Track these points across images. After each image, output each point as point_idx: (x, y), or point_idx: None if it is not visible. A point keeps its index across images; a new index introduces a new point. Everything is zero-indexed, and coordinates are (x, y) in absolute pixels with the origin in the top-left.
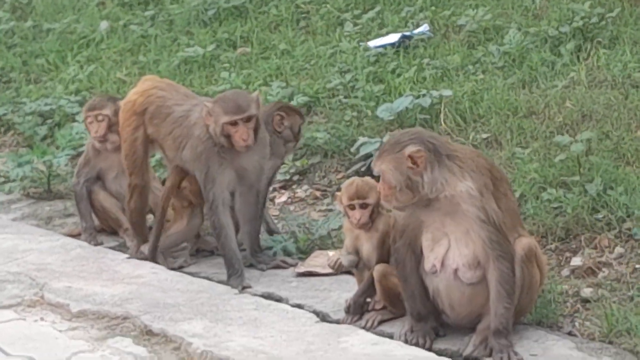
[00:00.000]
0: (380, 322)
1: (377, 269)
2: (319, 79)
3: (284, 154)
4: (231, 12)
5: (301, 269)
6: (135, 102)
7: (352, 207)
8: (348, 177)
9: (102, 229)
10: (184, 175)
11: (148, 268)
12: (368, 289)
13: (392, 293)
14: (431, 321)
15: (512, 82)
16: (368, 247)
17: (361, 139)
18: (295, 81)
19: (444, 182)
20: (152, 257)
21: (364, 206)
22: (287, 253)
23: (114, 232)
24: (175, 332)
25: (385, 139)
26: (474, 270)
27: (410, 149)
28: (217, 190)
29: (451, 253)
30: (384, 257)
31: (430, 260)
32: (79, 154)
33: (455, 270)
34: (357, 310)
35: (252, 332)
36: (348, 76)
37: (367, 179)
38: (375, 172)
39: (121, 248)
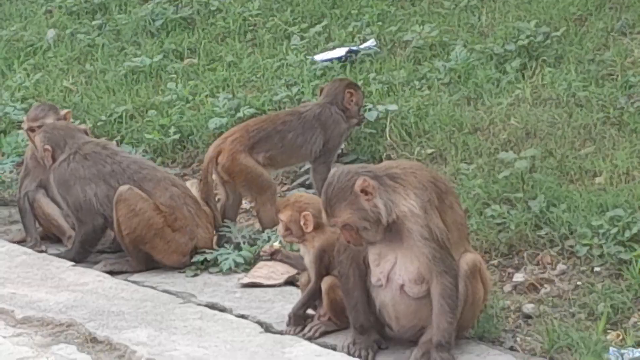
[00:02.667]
0: (324, 333)
1: (325, 281)
2: (266, 91)
3: (347, 130)
4: (179, 22)
5: (245, 280)
6: None
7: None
8: (292, 189)
9: (45, 235)
10: None
11: (93, 276)
12: (308, 301)
13: (338, 306)
14: (374, 334)
15: (458, 98)
16: (307, 260)
17: None
18: (242, 93)
19: (391, 203)
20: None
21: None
22: (235, 264)
23: (58, 240)
24: (119, 339)
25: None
26: (419, 285)
27: (358, 183)
28: None
29: (397, 268)
30: (321, 271)
31: (376, 274)
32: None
33: (402, 286)
34: (298, 322)
35: (197, 342)
36: (294, 89)
37: (301, 196)
38: (337, 224)
39: (65, 255)
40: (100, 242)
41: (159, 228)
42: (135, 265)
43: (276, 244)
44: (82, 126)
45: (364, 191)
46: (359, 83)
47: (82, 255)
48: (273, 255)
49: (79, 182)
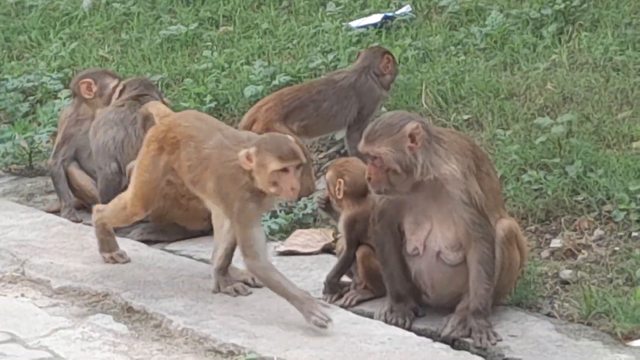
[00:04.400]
0: (360, 302)
1: (360, 249)
2: (301, 58)
3: (381, 98)
4: None
5: (282, 247)
6: None
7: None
8: (329, 157)
9: (81, 205)
10: None
11: (129, 245)
12: (342, 269)
13: (373, 273)
14: (410, 302)
15: (494, 63)
16: (340, 226)
17: None
18: (277, 60)
19: (430, 164)
20: None
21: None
22: (271, 232)
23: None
24: (155, 309)
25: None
26: (456, 252)
27: (411, 126)
28: None
29: (433, 235)
30: (352, 240)
31: (413, 242)
32: None
33: (438, 253)
34: (333, 290)
35: (233, 311)
36: (330, 56)
37: (349, 161)
38: (370, 154)
39: None
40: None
41: (173, 198)
42: (171, 234)
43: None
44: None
45: (411, 136)
46: (396, 49)
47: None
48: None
49: (105, 126)
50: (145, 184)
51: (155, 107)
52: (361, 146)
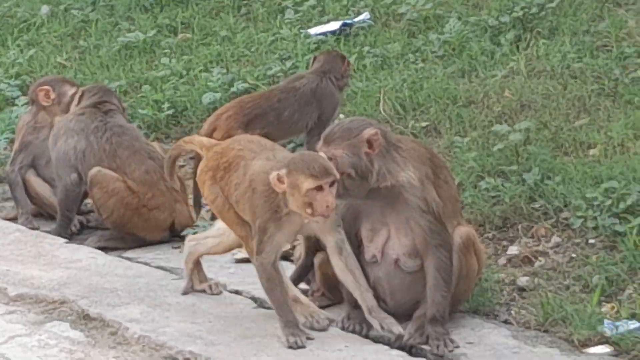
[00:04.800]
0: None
1: (318, 256)
2: (260, 65)
3: (339, 101)
4: None
5: (239, 255)
6: None
7: None
8: None
9: (38, 213)
10: None
11: (86, 253)
12: (299, 277)
13: (331, 280)
14: None
15: (452, 71)
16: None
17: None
18: (235, 68)
19: (387, 171)
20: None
21: None
22: None
23: (50, 217)
24: (112, 317)
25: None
26: (414, 259)
27: (369, 132)
28: None
29: (391, 243)
30: (310, 247)
31: (371, 250)
32: None
33: (396, 260)
34: None
35: (190, 318)
36: (288, 63)
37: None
38: (326, 155)
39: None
40: (77, 205)
41: (134, 208)
42: (128, 242)
43: None
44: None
45: (369, 141)
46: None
47: (64, 222)
48: None
49: (65, 135)
50: (224, 213)
51: (195, 142)
52: (319, 147)
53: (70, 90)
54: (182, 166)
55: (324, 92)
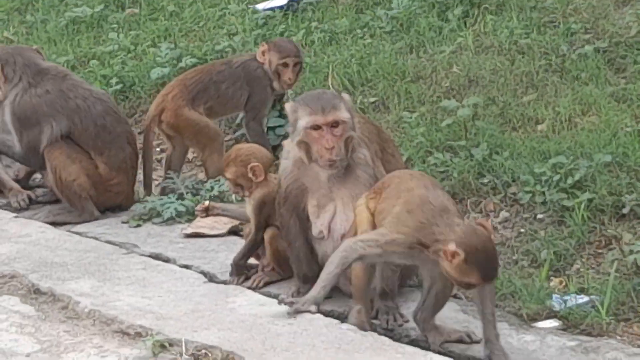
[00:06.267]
0: (268, 284)
1: (268, 232)
2: (208, 41)
3: (272, 93)
4: None
5: (189, 230)
6: None
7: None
8: (235, 140)
9: None
10: None
11: (36, 227)
12: (249, 251)
13: (281, 256)
14: None
15: (400, 46)
16: (248, 210)
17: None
18: (183, 43)
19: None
20: None
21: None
22: (177, 214)
23: None
24: (62, 291)
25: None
26: None
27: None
28: None
29: (338, 218)
30: (261, 222)
31: (317, 226)
32: None
33: (343, 236)
34: (240, 272)
35: (140, 292)
36: (236, 38)
37: (242, 149)
38: (336, 120)
39: (7, 207)
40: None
41: (95, 181)
42: (79, 216)
43: (207, 202)
44: (34, 46)
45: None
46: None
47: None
48: (208, 212)
49: (42, 121)
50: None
51: None
52: (320, 118)
53: None
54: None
55: (251, 73)
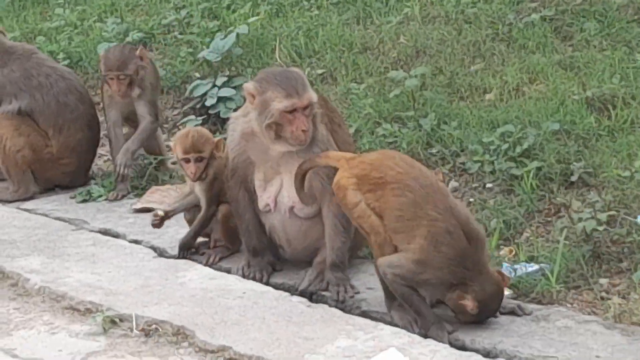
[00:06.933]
0: (222, 259)
1: (221, 209)
2: (154, 15)
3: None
4: None
5: (138, 205)
6: None
7: (187, 161)
8: (184, 113)
9: None
10: None
11: None
12: (200, 229)
13: (233, 232)
14: (268, 256)
15: (347, 18)
16: (198, 189)
17: (195, 81)
18: (130, 17)
19: None
20: None
21: (199, 159)
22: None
23: None
24: (12, 268)
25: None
26: (310, 206)
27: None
28: None
29: (284, 191)
30: (212, 199)
31: (264, 199)
32: None
33: (291, 208)
34: (188, 248)
35: (90, 268)
36: (183, 12)
37: (202, 129)
38: (310, 102)
39: None
40: None
41: (42, 158)
42: (15, 192)
43: (160, 212)
44: None
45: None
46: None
47: None
48: (163, 221)
49: (3, 98)
50: (364, 218)
51: (331, 157)
52: (297, 101)
53: None
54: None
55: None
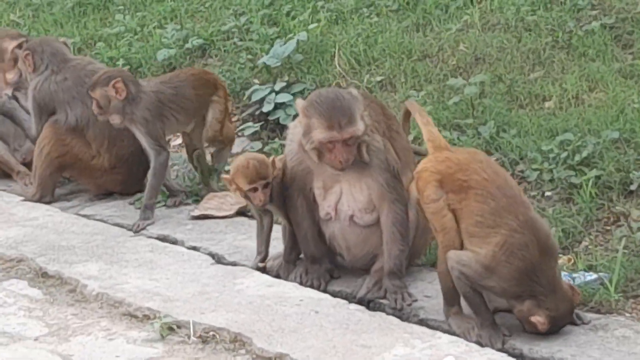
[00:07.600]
0: None
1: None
2: (214, 21)
3: None
4: None
5: (196, 212)
6: None
7: (255, 190)
8: (243, 120)
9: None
10: None
11: (43, 210)
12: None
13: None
14: (325, 263)
15: (406, 25)
16: (272, 208)
17: (254, 87)
18: (190, 24)
19: None
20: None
21: (265, 185)
22: (186, 195)
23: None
24: (70, 274)
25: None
26: (369, 213)
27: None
28: None
29: (344, 199)
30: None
31: (324, 208)
32: None
33: (351, 216)
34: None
35: (148, 274)
36: (243, 19)
37: (256, 155)
38: (353, 136)
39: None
40: None
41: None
42: (33, 194)
43: (260, 264)
44: (62, 39)
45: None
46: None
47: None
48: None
49: (58, 107)
50: (437, 217)
51: (431, 127)
52: (337, 134)
53: (10, 45)
54: None
55: None
